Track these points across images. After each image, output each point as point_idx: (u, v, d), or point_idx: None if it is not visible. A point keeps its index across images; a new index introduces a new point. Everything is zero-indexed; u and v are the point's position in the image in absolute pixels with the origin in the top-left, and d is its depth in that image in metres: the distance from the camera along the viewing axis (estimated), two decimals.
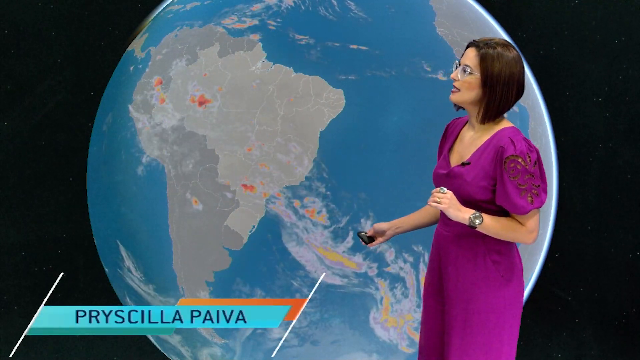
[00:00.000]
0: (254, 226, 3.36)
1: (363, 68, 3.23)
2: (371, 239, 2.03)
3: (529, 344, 2.67)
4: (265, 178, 3.28)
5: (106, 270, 3.85)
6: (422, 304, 1.91)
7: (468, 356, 1.76)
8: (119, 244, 3.71)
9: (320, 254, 3.31)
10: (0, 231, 3.52)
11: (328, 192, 3.25)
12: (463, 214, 1.69)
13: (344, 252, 3.27)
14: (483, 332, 1.72)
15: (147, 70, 3.52)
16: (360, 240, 2.04)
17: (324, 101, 3.13)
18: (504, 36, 4.00)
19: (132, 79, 3.54)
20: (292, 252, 3.33)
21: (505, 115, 1.84)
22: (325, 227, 3.28)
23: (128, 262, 3.68)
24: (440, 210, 1.77)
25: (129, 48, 4.12)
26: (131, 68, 3.65)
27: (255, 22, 3.61)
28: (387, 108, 3.16)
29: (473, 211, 1.70)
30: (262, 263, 3.33)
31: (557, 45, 3.30)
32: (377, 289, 3.30)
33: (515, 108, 3.84)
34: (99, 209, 3.79)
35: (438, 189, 1.74)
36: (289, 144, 3.11)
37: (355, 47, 3.23)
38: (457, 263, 1.76)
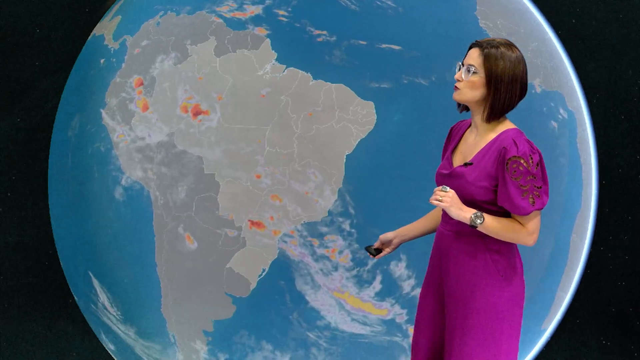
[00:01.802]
0: (264, 269, 2.78)
1: (398, 73, 2.75)
2: (378, 250, 2.02)
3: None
4: (278, 212, 2.74)
5: (76, 299, 3.22)
6: (419, 302, 1.93)
7: (467, 355, 1.78)
8: (92, 276, 3.07)
9: (342, 301, 2.75)
10: None
11: (353, 230, 2.70)
12: (464, 213, 1.73)
13: (370, 298, 2.71)
14: (482, 331, 1.75)
15: (123, 66, 2.98)
16: (368, 254, 2.01)
17: (350, 117, 2.69)
18: (546, 26, 3.46)
19: (104, 75, 3.02)
20: (309, 299, 2.77)
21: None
22: (348, 270, 2.72)
23: (103, 298, 3.05)
24: (443, 209, 1.81)
25: (97, 32, 3.38)
26: (102, 61, 3.06)
27: (259, 10, 2.94)
28: (429, 126, 2.71)
29: (474, 210, 1.74)
30: (272, 312, 2.75)
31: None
32: (405, 337, 2.79)
33: (564, 114, 3.32)
34: (67, 233, 3.14)
35: (440, 187, 1.77)
36: (308, 171, 2.49)
37: (386, 46, 2.79)
38: (457, 261, 1.79)
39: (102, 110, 3.06)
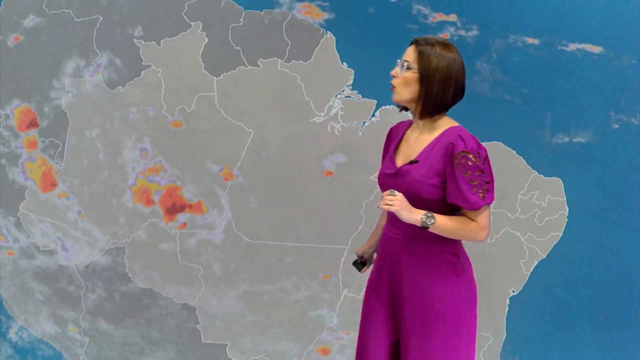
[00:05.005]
0: None
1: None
2: (363, 264, 1.88)
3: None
4: None
5: None
6: (363, 308, 1.86)
7: (428, 358, 1.72)
8: None
9: None
10: None
11: None
12: (415, 215, 1.73)
13: None
14: (443, 334, 1.74)
15: None
16: (357, 269, 1.88)
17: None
18: None
19: None
20: None
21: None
22: None
23: None
24: (389, 213, 1.81)
25: None
26: None
27: None
28: None
29: (424, 211, 1.74)
30: None
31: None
32: None
33: None
34: None
35: (388, 191, 1.74)
36: None
37: (579, 47, 1.79)
38: (410, 267, 1.79)
39: None
